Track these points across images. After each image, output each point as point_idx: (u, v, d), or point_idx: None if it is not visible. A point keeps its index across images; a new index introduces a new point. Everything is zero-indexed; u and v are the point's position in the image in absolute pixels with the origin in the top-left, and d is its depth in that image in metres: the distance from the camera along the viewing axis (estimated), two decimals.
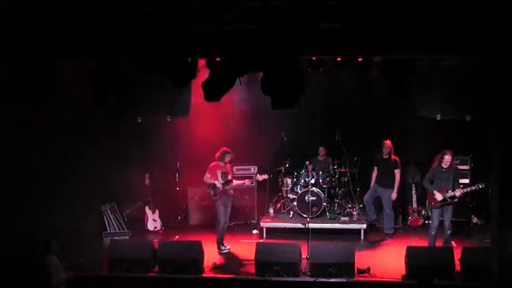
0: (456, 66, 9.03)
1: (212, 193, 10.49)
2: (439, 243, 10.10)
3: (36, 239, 8.58)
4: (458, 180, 10.19)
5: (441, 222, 10.11)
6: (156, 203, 12.17)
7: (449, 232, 10.03)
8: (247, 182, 11.03)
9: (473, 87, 9.07)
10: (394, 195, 11.00)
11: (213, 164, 10.56)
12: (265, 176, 11.10)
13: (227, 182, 10.53)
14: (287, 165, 12.39)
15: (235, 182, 10.70)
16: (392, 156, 11.06)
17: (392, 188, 11.00)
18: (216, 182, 10.46)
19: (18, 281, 8.31)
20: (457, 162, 11.92)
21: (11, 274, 8.28)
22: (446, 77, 9.36)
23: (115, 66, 8.01)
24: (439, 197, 9.99)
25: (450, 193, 9.90)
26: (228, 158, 10.60)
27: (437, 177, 10.10)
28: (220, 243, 10.51)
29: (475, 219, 12.04)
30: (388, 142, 11.05)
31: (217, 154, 10.56)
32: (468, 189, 9.94)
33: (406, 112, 10.96)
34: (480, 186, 9.93)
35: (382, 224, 11.42)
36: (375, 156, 11.30)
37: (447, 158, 9.96)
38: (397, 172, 11.02)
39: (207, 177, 10.50)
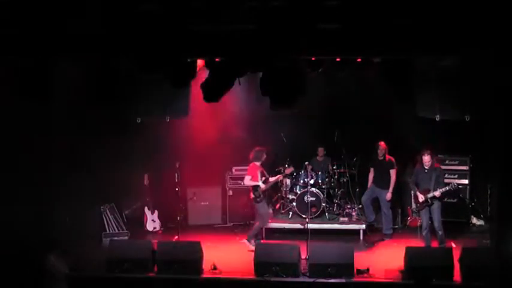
0: (456, 67, 9.02)
1: (257, 195, 10.54)
2: (434, 244, 10.11)
3: (35, 239, 8.58)
4: (443, 180, 10.18)
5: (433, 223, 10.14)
6: (155, 203, 12.15)
7: (440, 233, 10.04)
8: (280, 177, 11.09)
9: (472, 87, 9.07)
10: (388, 195, 11.00)
11: (251, 165, 10.63)
12: (292, 169, 11.20)
13: (265, 181, 10.62)
14: (286, 165, 12.38)
15: (271, 180, 10.77)
16: (387, 157, 11.07)
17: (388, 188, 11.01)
18: (260, 184, 10.52)
19: (18, 281, 8.30)
20: (456, 162, 11.96)
21: (10, 274, 8.27)
22: (445, 77, 9.35)
23: (115, 66, 8.00)
24: (420, 198, 10.06)
25: (431, 194, 9.94)
26: (263, 156, 10.67)
27: (420, 178, 10.16)
28: (253, 237, 10.57)
29: (474, 220, 12.04)
30: (382, 143, 11.06)
31: (252, 154, 10.64)
32: (443, 189, 9.94)
33: (406, 112, 10.95)
34: (454, 187, 9.96)
35: (381, 225, 11.42)
36: (371, 157, 11.31)
37: (426, 158, 10.01)
38: (393, 172, 11.02)
39: (248, 180, 10.58)
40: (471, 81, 9.02)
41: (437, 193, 9.91)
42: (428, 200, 10.00)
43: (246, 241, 10.61)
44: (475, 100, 9.13)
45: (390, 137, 11.35)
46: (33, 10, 7.20)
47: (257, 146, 10.77)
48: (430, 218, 10.19)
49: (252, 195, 10.64)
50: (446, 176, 10.91)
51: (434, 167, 10.10)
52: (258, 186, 10.55)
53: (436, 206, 10.02)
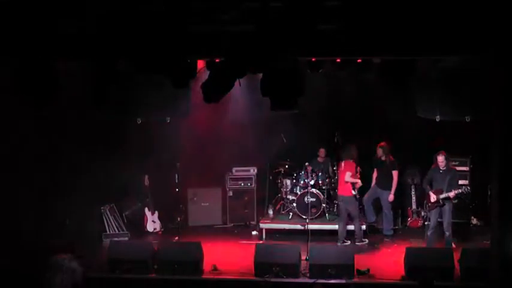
0: (456, 67, 9.04)
1: (355, 192, 10.77)
2: (440, 245, 10.11)
3: (36, 240, 8.58)
4: (457, 182, 10.17)
5: (441, 224, 10.13)
6: (155, 204, 12.16)
7: (448, 234, 10.04)
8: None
9: (472, 88, 9.08)
10: (390, 197, 11.02)
11: (350, 163, 10.78)
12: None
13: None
14: (286, 166, 12.39)
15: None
16: (390, 158, 11.07)
17: (390, 189, 11.01)
18: (358, 181, 10.76)
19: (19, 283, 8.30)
20: (456, 163, 11.95)
21: (8, 276, 8.26)
22: (445, 78, 9.37)
23: (115, 67, 8.00)
24: (432, 198, 10.05)
25: (444, 194, 9.93)
26: (356, 153, 10.90)
27: (434, 178, 10.17)
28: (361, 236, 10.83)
29: (474, 220, 12.04)
30: (382, 144, 11.05)
31: (348, 151, 10.84)
32: (457, 191, 9.93)
33: (406, 113, 10.97)
34: (467, 190, 9.94)
35: (381, 225, 11.42)
36: (373, 158, 11.32)
37: (439, 158, 10.03)
38: (395, 173, 11.03)
39: (349, 176, 10.70)
40: (471, 82, 9.03)
41: (452, 194, 9.90)
42: (440, 201, 9.99)
43: (359, 243, 10.78)
44: (475, 101, 9.14)
45: (390, 137, 11.35)
46: (32, 10, 7.20)
47: (349, 144, 10.95)
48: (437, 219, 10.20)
49: (352, 192, 10.76)
50: None
51: (449, 169, 10.10)
52: (355, 183, 10.74)
53: (448, 207, 10.02)
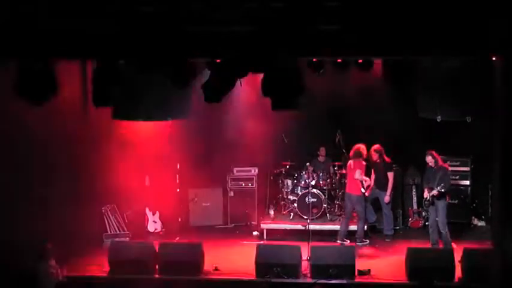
0: (457, 68, 9.02)
1: (364, 190, 10.81)
2: (442, 244, 10.12)
3: (36, 241, 8.57)
4: (448, 179, 10.17)
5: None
6: (156, 204, 12.15)
7: (443, 232, 10.07)
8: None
9: (474, 88, 9.07)
10: (386, 198, 11.02)
11: (359, 161, 10.83)
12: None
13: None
14: (287, 166, 12.38)
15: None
16: (386, 159, 11.07)
17: (387, 190, 11.02)
18: (367, 179, 10.84)
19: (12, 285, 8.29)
20: (458, 163, 11.96)
21: (6, 279, 8.25)
22: (447, 78, 9.35)
23: (116, 66, 7.99)
24: (425, 195, 10.15)
25: (432, 192, 10.00)
26: (365, 153, 10.98)
27: (430, 176, 10.23)
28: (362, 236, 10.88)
29: (475, 221, 12.04)
30: (374, 147, 11.04)
31: (358, 151, 10.85)
32: (437, 190, 9.97)
33: (407, 113, 10.96)
34: (442, 190, 9.95)
35: (382, 225, 11.42)
36: (369, 160, 11.32)
37: (427, 159, 10.30)
38: (390, 175, 11.03)
39: (358, 174, 10.75)
40: (472, 83, 9.01)
41: (435, 192, 9.97)
42: (429, 199, 10.04)
43: (359, 243, 10.78)
44: (477, 101, 9.13)
45: (391, 138, 11.33)
46: (32, 11, 7.20)
47: (358, 143, 10.95)
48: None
49: (361, 191, 10.80)
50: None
51: (439, 167, 10.13)
52: (364, 181, 10.80)
53: (440, 206, 10.05)
